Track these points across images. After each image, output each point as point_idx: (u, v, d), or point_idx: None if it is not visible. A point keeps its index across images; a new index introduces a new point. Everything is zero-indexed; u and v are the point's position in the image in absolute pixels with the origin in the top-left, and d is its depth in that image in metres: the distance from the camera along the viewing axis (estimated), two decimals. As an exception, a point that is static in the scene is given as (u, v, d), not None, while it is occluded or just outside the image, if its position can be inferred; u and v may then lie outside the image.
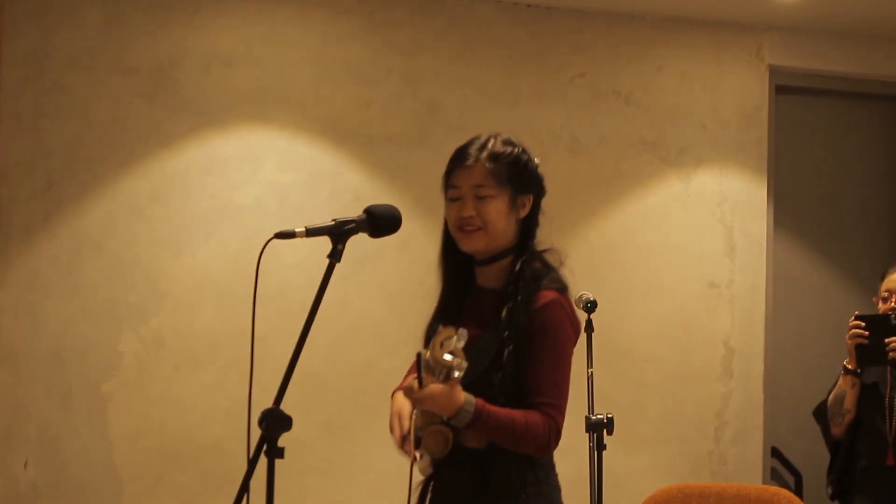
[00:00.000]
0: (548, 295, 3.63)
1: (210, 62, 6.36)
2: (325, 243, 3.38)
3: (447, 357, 3.44)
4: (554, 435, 3.59)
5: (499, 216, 3.68)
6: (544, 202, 3.83)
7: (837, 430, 5.79)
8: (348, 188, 6.44)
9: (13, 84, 6.10)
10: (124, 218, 6.23)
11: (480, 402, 3.50)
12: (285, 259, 6.12)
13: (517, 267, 3.69)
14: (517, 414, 3.54)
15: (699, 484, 6.40)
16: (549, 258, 3.78)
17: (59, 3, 6.19)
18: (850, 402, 5.73)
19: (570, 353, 3.69)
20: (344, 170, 6.48)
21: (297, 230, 3.34)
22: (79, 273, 6.16)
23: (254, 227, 6.26)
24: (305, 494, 6.13)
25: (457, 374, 3.44)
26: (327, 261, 3.31)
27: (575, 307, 3.76)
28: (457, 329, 3.46)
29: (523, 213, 3.74)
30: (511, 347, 3.59)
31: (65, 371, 6.12)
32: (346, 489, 6.33)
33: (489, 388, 3.56)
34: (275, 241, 3.31)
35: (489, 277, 3.77)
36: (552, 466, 3.74)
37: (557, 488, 3.75)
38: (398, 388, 3.82)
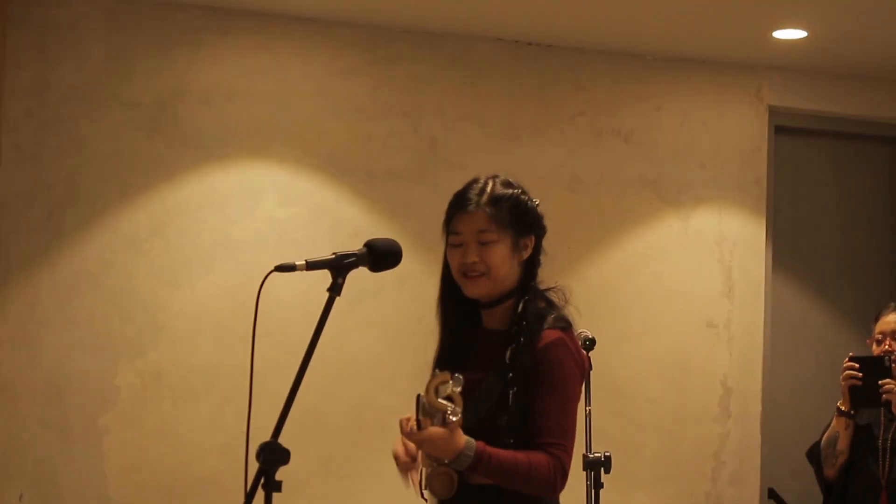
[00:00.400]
0: (552, 334, 3.62)
1: (211, 96, 6.36)
2: (323, 279, 3.36)
3: (441, 402, 3.43)
4: (560, 476, 3.56)
5: (503, 261, 3.67)
6: (544, 239, 3.82)
7: (830, 472, 5.79)
8: (348, 223, 6.43)
9: (14, 116, 6.09)
10: (123, 251, 6.22)
11: (481, 444, 3.48)
12: (283, 294, 6.10)
13: (520, 307, 3.68)
14: (520, 455, 3.52)
15: (696, 525, 6.39)
16: (553, 297, 3.77)
17: (60, 36, 6.18)
18: (843, 444, 5.74)
19: (577, 393, 3.66)
20: (344, 205, 6.48)
21: (297, 263, 3.32)
22: (77, 305, 6.14)
23: (253, 261, 6.24)
24: (301, 530, 6.12)
25: (453, 418, 3.43)
26: (325, 296, 3.29)
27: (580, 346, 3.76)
28: (452, 375, 3.46)
29: (526, 254, 3.73)
30: (515, 389, 3.57)
31: (61, 404, 6.09)
32: (342, 525, 6.33)
33: (495, 431, 3.54)
34: (274, 275, 3.29)
35: (495, 319, 3.75)
36: (557, 502, 3.71)
37: None
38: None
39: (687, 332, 6.81)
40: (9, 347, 6.04)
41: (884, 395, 5.52)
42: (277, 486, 3.16)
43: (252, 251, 6.31)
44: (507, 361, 3.59)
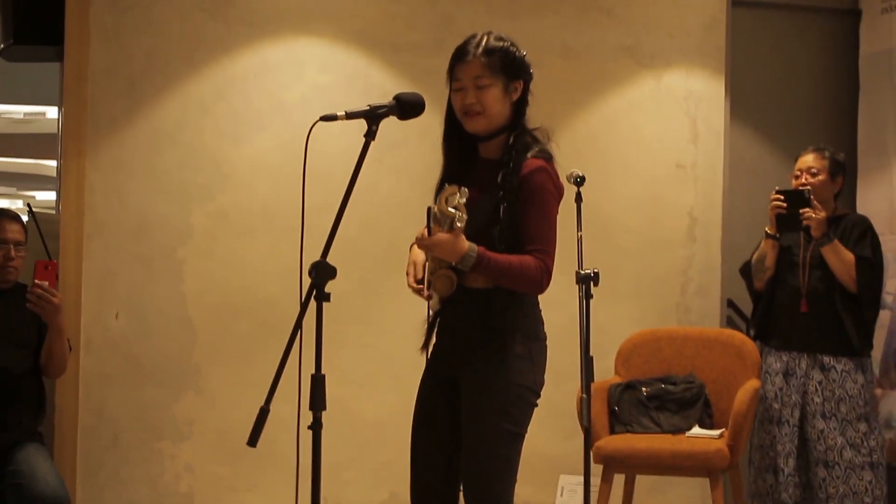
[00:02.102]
0: (535, 163, 3.71)
1: (263, -17, 6.34)
2: (358, 134, 3.41)
3: (451, 210, 3.49)
4: (545, 275, 3.66)
5: (495, 101, 3.73)
6: (538, 90, 3.84)
7: (759, 284, 5.96)
8: (377, 87, 6.44)
9: (99, 3, 6.09)
10: (193, 113, 6.27)
11: (482, 249, 3.57)
12: (328, 147, 6.11)
13: (510, 140, 3.74)
14: (513, 258, 3.61)
15: (668, 329, 6.48)
16: (539, 135, 3.83)
17: (135, -67, 6.17)
18: (770, 261, 5.87)
19: (555, 209, 3.75)
20: (374, 72, 6.48)
21: (338, 113, 3.41)
22: (156, 160, 6.21)
23: (300, 120, 6.25)
24: (345, 339, 6.21)
25: (459, 224, 3.51)
26: (359, 147, 3.34)
27: (560, 174, 3.81)
28: (459, 187, 3.52)
29: (515, 96, 3.79)
30: (505, 205, 3.64)
31: (146, 240, 6.19)
32: (377, 334, 6.41)
33: (489, 240, 3.64)
34: (319, 129, 3.36)
35: (490, 150, 3.82)
36: (537, 302, 3.80)
37: (541, 321, 3.83)
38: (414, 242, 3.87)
39: (659, 172, 6.83)
40: (102, 194, 6.12)
41: (804, 221, 5.61)
42: (327, 297, 3.26)
43: (299, 111, 6.33)
44: (499, 184, 3.67)
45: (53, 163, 10.33)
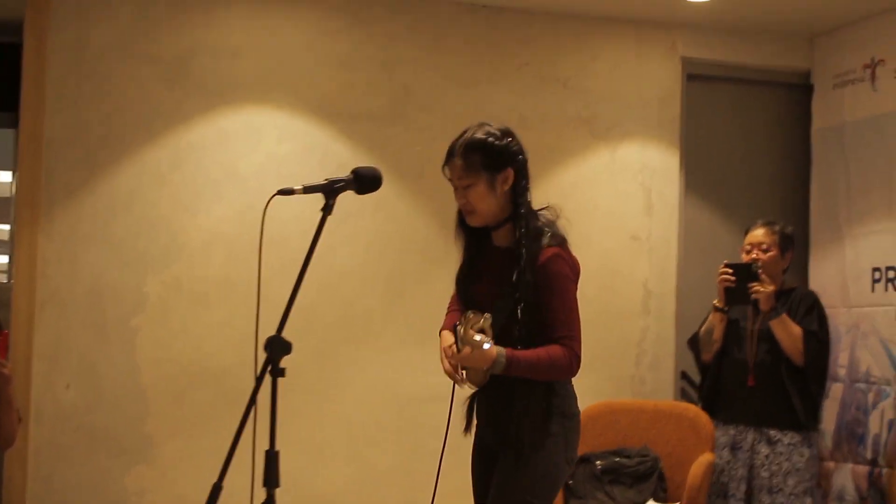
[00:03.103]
0: (549, 251, 3.74)
1: (221, 52, 6.37)
2: (314, 203, 3.43)
3: (476, 338, 3.57)
4: (575, 360, 3.74)
5: (480, 199, 3.77)
6: None
7: (707, 357, 6.01)
8: (335, 157, 6.46)
9: (57, 69, 6.10)
10: (149, 182, 6.25)
11: (510, 351, 3.62)
12: (282, 216, 6.12)
13: (519, 230, 3.76)
14: (541, 352, 3.66)
15: (623, 401, 6.51)
16: (548, 214, 3.86)
17: (96, 0, 6.18)
18: (718, 334, 5.92)
19: (574, 293, 3.83)
20: (332, 142, 6.50)
21: (295, 188, 3.43)
22: (112, 228, 6.18)
23: (256, 190, 6.27)
24: (300, 409, 6.19)
25: (486, 345, 3.58)
26: (318, 216, 3.36)
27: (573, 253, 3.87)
28: (483, 314, 3.60)
29: (506, 186, 3.79)
30: (523, 305, 3.66)
31: (100, 308, 6.15)
32: (333, 403, 6.39)
33: (510, 340, 3.68)
34: (274, 200, 3.36)
35: (500, 239, 3.88)
36: (569, 381, 3.88)
37: (573, 396, 3.92)
38: (443, 328, 3.95)
39: (614, 244, 6.89)
40: (55, 263, 6.08)
41: (753, 295, 5.67)
42: (282, 372, 3.26)
43: (255, 181, 6.33)
44: (514, 281, 3.70)
45: (3, 226, 10.29)
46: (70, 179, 6.12)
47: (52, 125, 6.09)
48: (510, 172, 3.79)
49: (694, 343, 6.10)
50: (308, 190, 3.45)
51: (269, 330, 3.30)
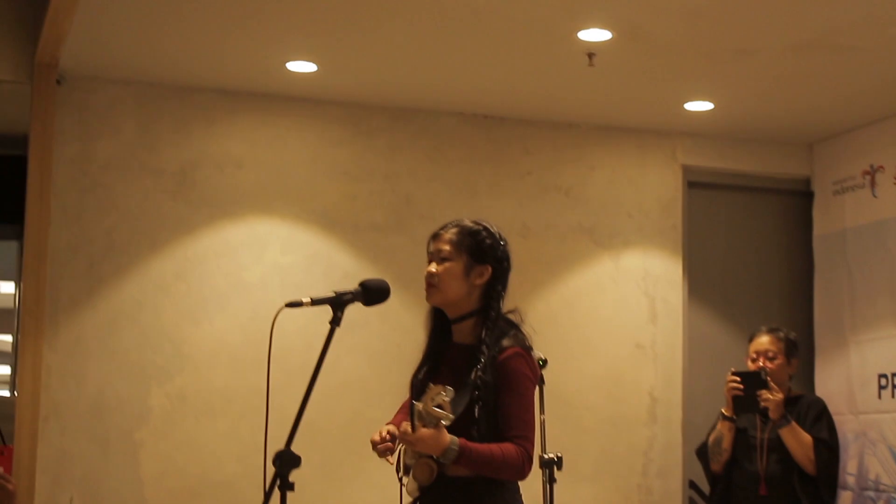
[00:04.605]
0: (511, 350, 3.69)
1: (224, 164, 6.43)
2: (319, 313, 3.43)
3: (436, 410, 3.50)
4: (527, 461, 3.67)
5: (451, 277, 3.75)
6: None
7: (716, 467, 5.95)
8: (339, 267, 6.49)
9: (62, 182, 6.15)
10: (153, 293, 6.27)
11: (463, 441, 3.57)
12: (287, 327, 6.09)
13: (483, 329, 3.75)
14: (494, 448, 3.61)
15: (631, 511, 6.45)
16: (513, 318, 3.84)
17: (98, 115, 6.26)
18: (727, 443, 5.88)
19: (532, 395, 3.75)
20: (335, 252, 6.54)
21: (303, 300, 3.40)
22: (115, 339, 6.18)
23: (260, 300, 6.30)
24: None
25: (444, 422, 3.52)
26: (322, 327, 3.35)
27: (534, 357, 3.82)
28: (444, 387, 3.53)
29: (480, 280, 3.78)
30: (481, 404, 3.65)
31: (103, 421, 6.13)
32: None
33: (468, 437, 3.62)
34: (277, 305, 3.35)
35: (462, 334, 3.83)
36: (518, 488, 3.79)
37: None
38: (388, 424, 3.86)
39: (619, 352, 6.89)
40: (59, 375, 6.07)
41: (762, 403, 5.66)
42: (291, 487, 3.23)
43: (259, 292, 6.36)
44: (472, 379, 3.66)
45: (4, 337, 10.27)
46: (74, 291, 6.14)
47: (56, 237, 6.11)
48: (488, 270, 3.79)
49: (703, 453, 6.07)
50: (316, 302, 3.44)
51: (273, 442, 3.28)
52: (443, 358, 3.85)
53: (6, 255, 6.84)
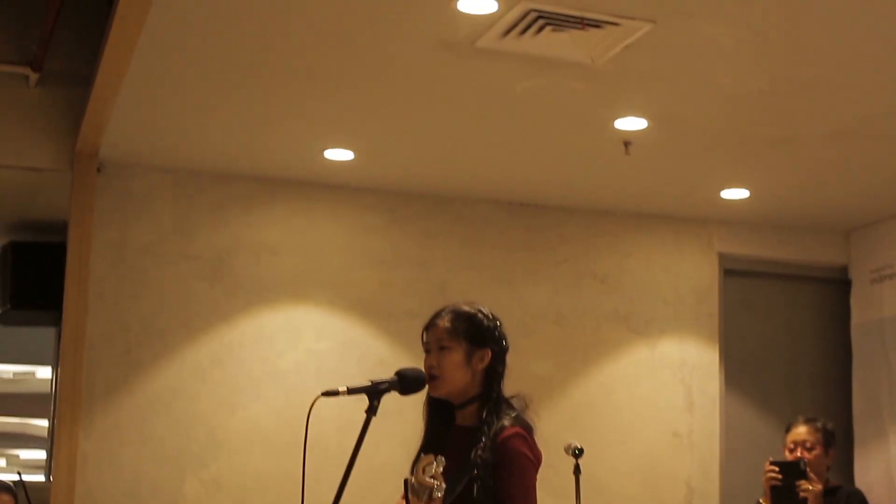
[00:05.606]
0: (512, 430, 3.65)
1: (260, 251, 6.48)
2: (352, 401, 3.42)
3: (429, 479, 3.48)
4: None
5: (454, 366, 3.69)
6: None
7: None
8: (374, 355, 6.51)
9: (100, 269, 6.20)
10: (189, 380, 6.29)
11: None
12: (321, 413, 6.10)
13: (487, 410, 3.70)
14: None
15: None
16: (516, 402, 3.79)
17: (136, 202, 6.33)
18: None
19: (534, 477, 3.67)
20: (370, 339, 6.56)
21: (340, 389, 3.40)
22: (151, 426, 6.20)
23: (295, 387, 6.31)
24: None
25: (438, 494, 3.48)
26: (355, 415, 3.36)
27: (551, 443, 3.77)
28: (435, 456, 3.51)
29: (481, 365, 3.72)
30: (480, 483, 3.61)
31: (138, 508, 6.13)
32: None
33: None
34: (310, 392, 3.35)
35: (465, 418, 3.76)
36: None
37: None
38: None
39: (656, 440, 6.86)
40: (94, 462, 6.08)
41: (801, 494, 5.59)
42: (333, 579, 3.20)
43: (294, 379, 6.38)
44: (472, 458, 3.59)
45: (40, 422, 10.33)
46: (111, 377, 6.17)
47: (93, 323, 6.16)
48: (489, 353, 3.74)
49: (742, 543, 6.02)
50: (353, 391, 3.43)
51: (308, 528, 3.28)
52: (447, 441, 3.84)
53: (45, 341, 6.91)
